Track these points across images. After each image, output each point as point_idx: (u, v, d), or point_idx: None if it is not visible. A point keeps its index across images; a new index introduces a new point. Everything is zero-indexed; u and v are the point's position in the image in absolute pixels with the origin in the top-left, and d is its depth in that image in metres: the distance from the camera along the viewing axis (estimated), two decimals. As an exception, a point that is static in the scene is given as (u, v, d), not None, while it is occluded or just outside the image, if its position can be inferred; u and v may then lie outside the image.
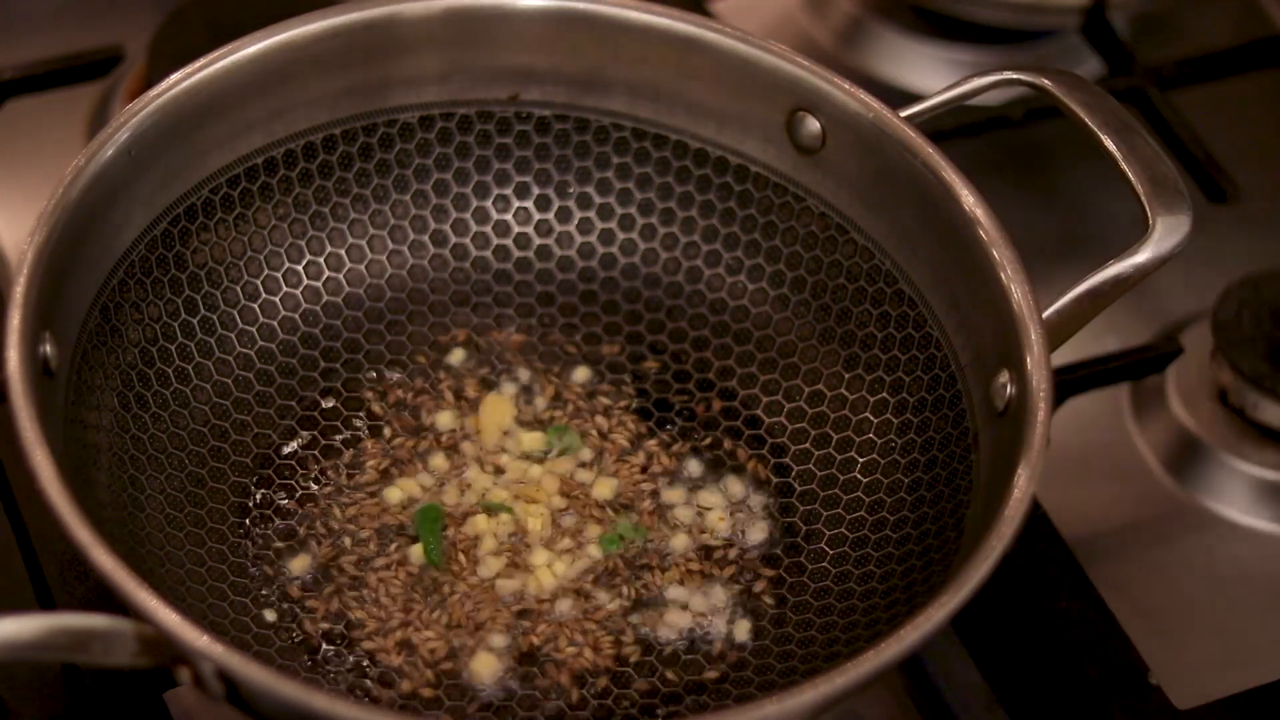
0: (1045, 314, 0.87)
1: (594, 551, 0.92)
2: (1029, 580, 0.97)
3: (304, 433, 0.95)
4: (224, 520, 0.92)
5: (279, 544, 0.91)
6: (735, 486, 0.95)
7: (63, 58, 1.16)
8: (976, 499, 0.87)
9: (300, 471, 0.94)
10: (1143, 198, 0.89)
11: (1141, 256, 0.88)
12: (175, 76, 0.92)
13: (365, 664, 0.88)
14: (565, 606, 0.90)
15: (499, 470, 0.94)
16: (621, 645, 0.89)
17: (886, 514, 0.93)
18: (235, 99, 0.94)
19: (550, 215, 1.02)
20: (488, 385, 0.98)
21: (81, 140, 1.16)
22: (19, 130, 1.17)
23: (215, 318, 0.96)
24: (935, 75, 1.24)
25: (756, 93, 0.96)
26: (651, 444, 0.97)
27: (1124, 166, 0.90)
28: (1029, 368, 0.85)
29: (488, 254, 1.01)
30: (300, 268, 0.99)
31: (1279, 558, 1.05)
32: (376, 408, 0.96)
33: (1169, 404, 1.09)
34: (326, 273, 0.99)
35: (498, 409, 0.96)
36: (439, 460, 0.95)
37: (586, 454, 0.95)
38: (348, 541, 0.92)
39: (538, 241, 1.02)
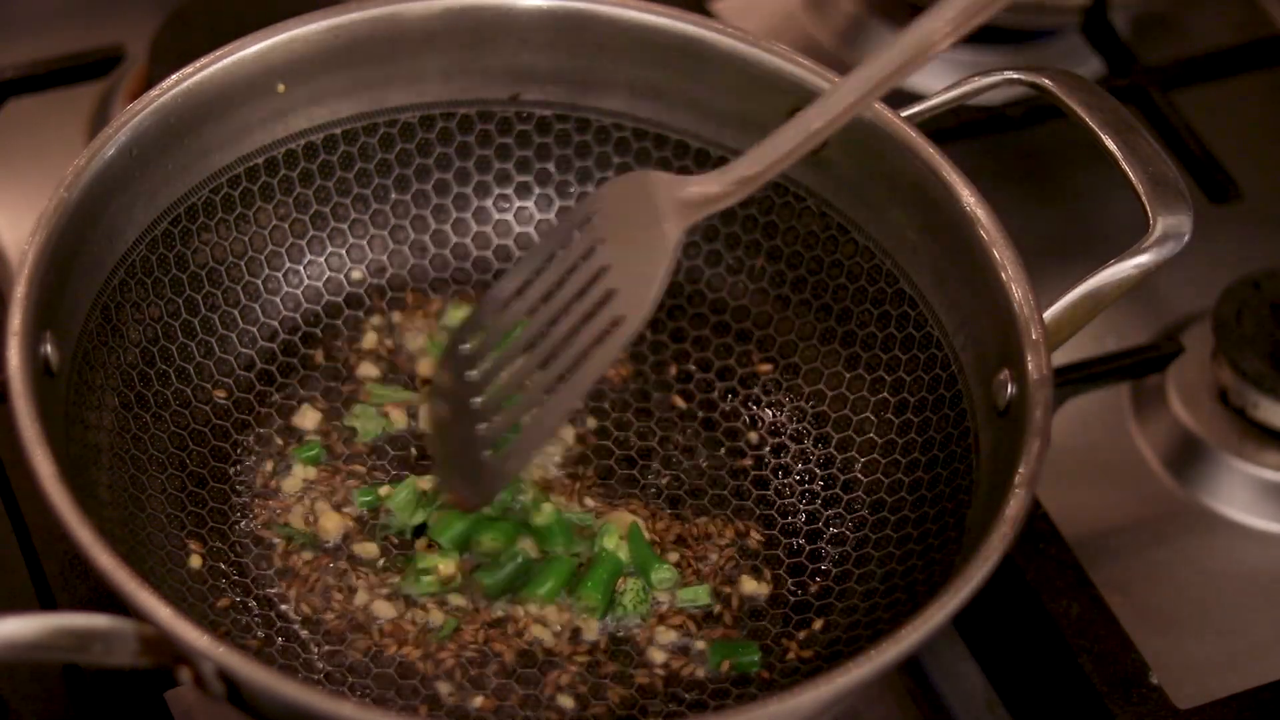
0: (1045, 314, 0.87)
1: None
2: (1029, 580, 0.97)
3: (305, 433, 0.95)
4: (225, 520, 0.92)
5: (280, 545, 0.91)
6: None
7: (63, 58, 1.16)
8: (977, 499, 0.87)
9: (302, 472, 0.94)
10: (1143, 197, 0.89)
11: (1142, 256, 0.88)
12: (176, 76, 0.92)
13: (364, 663, 0.88)
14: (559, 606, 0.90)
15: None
16: (620, 643, 0.90)
17: (887, 514, 0.93)
18: (235, 99, 0.94)
19: (551, 215, 1.02)
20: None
21: (82, 140, 1.16)
22: (19, 130, 1.17)
23: (216, 318, 0.96)
24: (935, 75, 1.23)
25: (757, 92, 0.96)
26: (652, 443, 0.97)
27: (1124, 166, 0.90)
28: (1029, 368, 0.85)
29: (489, 254, 1.01)
30: (301, 268, 0.99)
31: (1279, 558, 1.05)
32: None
33: (1169, 404, 1.09)
34: (327, 273, 0.99)
35: None
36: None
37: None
38: (349, 545, 0.92)
39: (539, 242, 1.02)
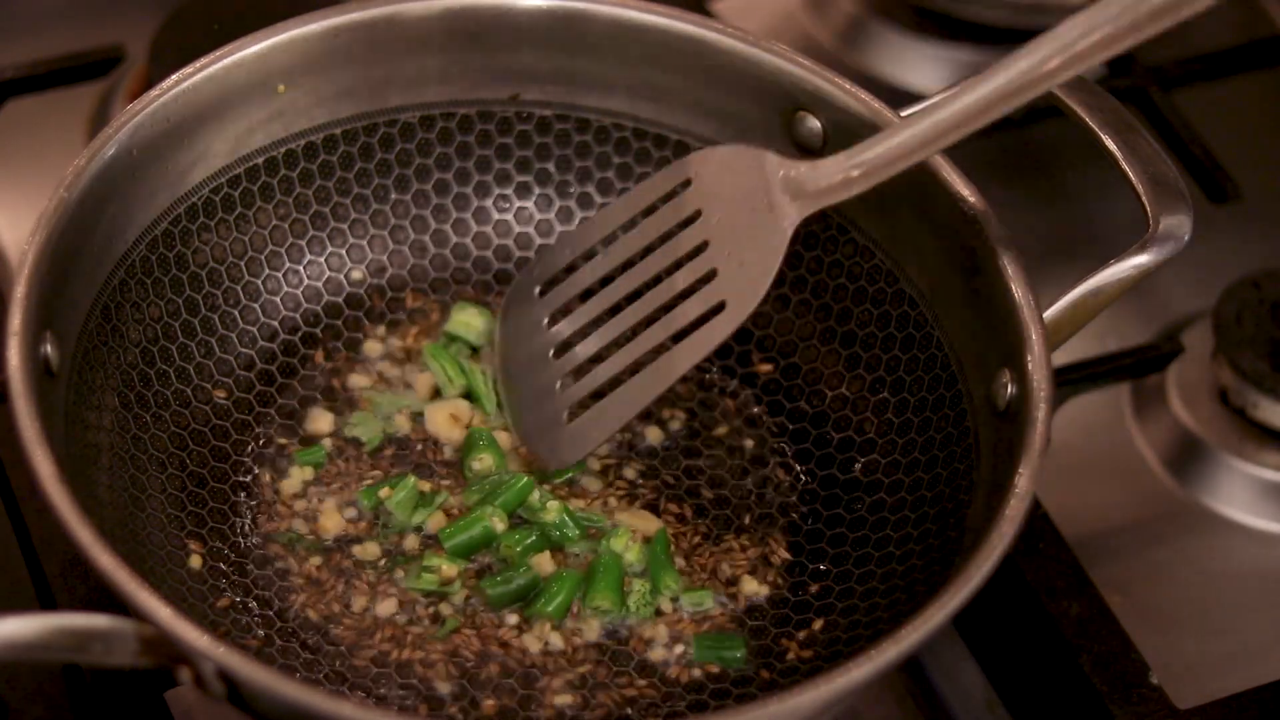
0: (1045, 314, 0.87)
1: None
2: (1029, 580, 0.97)
3: (306, 433, 0.95)
4: (225, 520, 0.92)
5: (280, 546, 0.91)
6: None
7: (63, 58, 1.16)
8: (977, 499, 0.87)
9: (301, 474, 0.94)
10: (1143, 197, 0.89)
11: (1142, 256, 0.88)
12: (175, 76, 0.92)
13: (364, 663, 0.88)
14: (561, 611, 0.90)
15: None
16: (622, 643, 0.90)
17: (887, 514, 0.93)
18: (235, 99, 0.94)
19: (551, 215, 1.02)
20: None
21: (82, 140, 1.16)
22: (19, 130, 1.17)
23: (216, 318, 0.96)
24: (935, 75, 1.24)
25: (757, 92, 0.96)
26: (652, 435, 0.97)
27: (1125, 166, 0.90)
28: (1029, 368, 0.85)
29: (489, 254, 1.01)
30: (301, 268, 0.99)
31: (1279, 558, 1.05)
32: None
33: (1169, 404, 1.09)
34: (327, 273, 0.99)
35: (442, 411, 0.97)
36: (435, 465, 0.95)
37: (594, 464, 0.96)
38: (349, 546, 0.92)
39: (539, 241, 1.02)
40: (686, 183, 0.92)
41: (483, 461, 0.93)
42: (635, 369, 0.92)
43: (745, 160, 0.90)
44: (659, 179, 0.93)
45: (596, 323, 0.94)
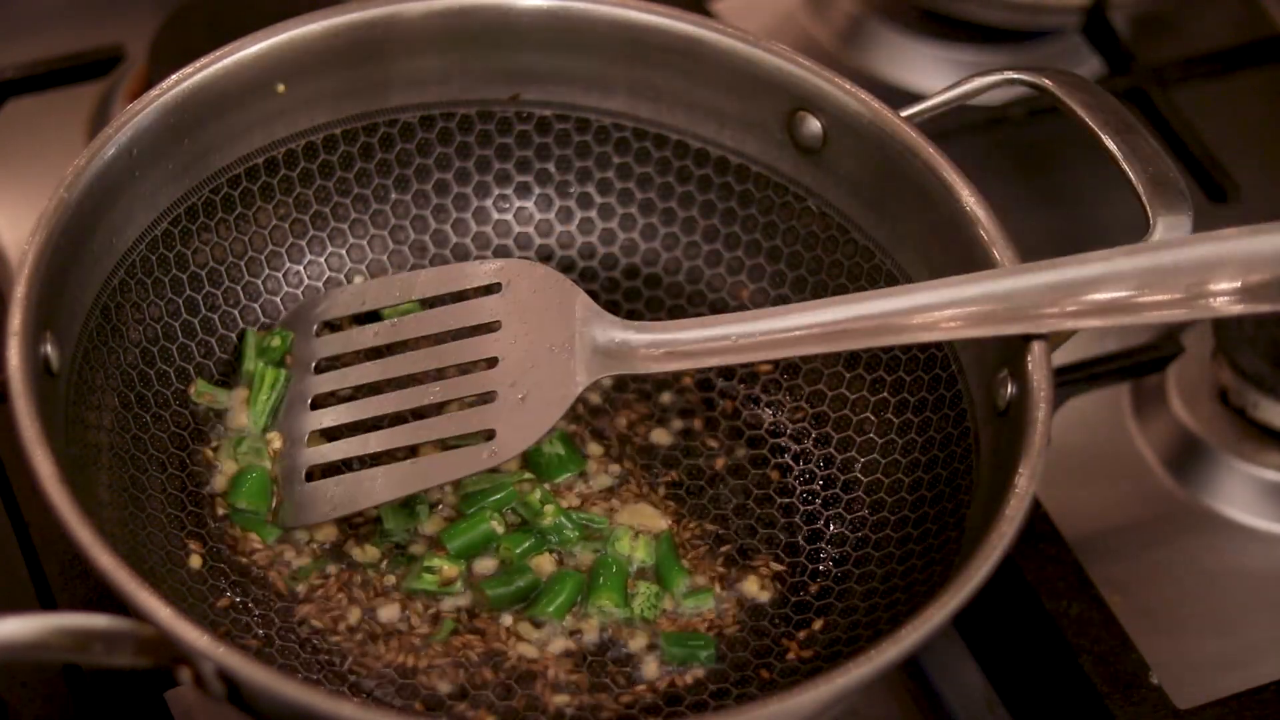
0: (1046, 314, 0.87)
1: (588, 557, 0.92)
2: (1029, 580, 0.97)
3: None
4: (225, 520, 0.92)
5: (280, 545, 0.91)
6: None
7: (63, 58, 1.16)
8: (977, 499, 0.87)
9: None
10: (1143, 197, 0.89)
11: (1142, 256, 0.88)
12: (175, 76, 0.92)
13: (364, 663, 0.88)
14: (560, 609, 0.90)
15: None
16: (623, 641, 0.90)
17: (887, 514, 0.93)
18: (235, 99, 0.94)
19: (551, 215, 1.02)
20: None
21: (82, 140, 1.16)
22: (19, 130, 1.17)
23: (216, 318, 0.96)
24: (936, 75, 1.24)
25: (757, 93, 0.96)
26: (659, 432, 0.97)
27: (1124, 166, 0.90)
28: (1029, 368, 0.85)
29: (488, 254, 1.01)
30: (301, 268, 0.99)
31: (1279, 558, 1.05)
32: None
33: (1169, 404, 1.09)
34: (327, 273, 0.99)
35: None
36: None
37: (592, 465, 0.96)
38: (349, 547, 0.92)
39: (538, 241, 1.02)
40: (496, 286, 0.92)
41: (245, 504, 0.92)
42: (388, 454, 0.91)
43: (559, 293, 0.91)
44: (470, 269, 0.94)
45: (361, 389, 0.92)
